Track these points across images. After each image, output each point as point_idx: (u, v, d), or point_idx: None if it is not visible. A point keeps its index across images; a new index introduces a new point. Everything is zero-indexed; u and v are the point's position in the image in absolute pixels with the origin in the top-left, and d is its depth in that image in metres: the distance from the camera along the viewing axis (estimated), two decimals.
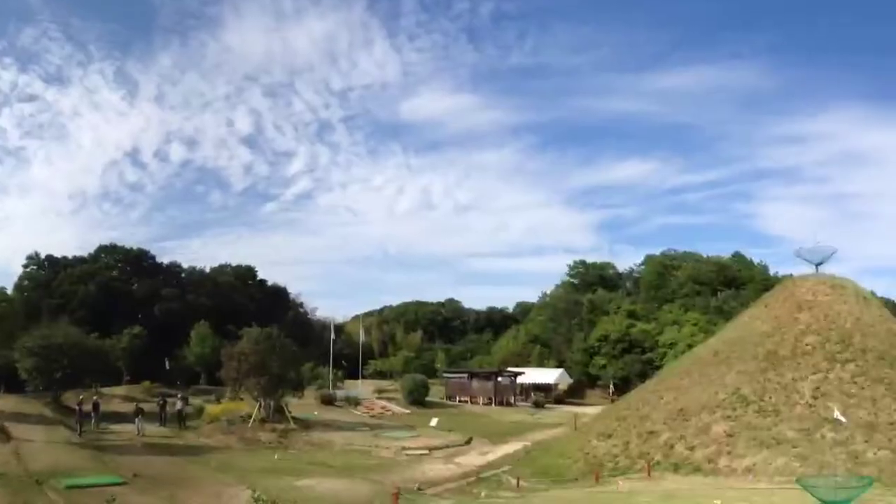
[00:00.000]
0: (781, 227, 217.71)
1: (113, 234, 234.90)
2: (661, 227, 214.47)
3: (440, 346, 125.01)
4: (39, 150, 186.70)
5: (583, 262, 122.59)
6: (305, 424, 47.22)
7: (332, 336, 75.44)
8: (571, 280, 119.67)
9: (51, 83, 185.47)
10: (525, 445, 44.64)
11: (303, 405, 54.89)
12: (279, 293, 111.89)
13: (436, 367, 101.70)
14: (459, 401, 73.18)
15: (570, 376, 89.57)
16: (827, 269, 42.56)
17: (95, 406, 45.08)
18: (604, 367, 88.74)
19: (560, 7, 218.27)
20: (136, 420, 42.92)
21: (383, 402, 65.60)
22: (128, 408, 48.77)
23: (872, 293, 48.46)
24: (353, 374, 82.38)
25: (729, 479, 27.58)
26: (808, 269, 43.19)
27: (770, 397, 32.22)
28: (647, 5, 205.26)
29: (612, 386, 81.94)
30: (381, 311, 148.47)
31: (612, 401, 64.60)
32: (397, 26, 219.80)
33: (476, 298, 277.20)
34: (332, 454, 39.76)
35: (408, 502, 25.46)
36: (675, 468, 30.28)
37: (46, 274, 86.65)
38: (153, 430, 43.91)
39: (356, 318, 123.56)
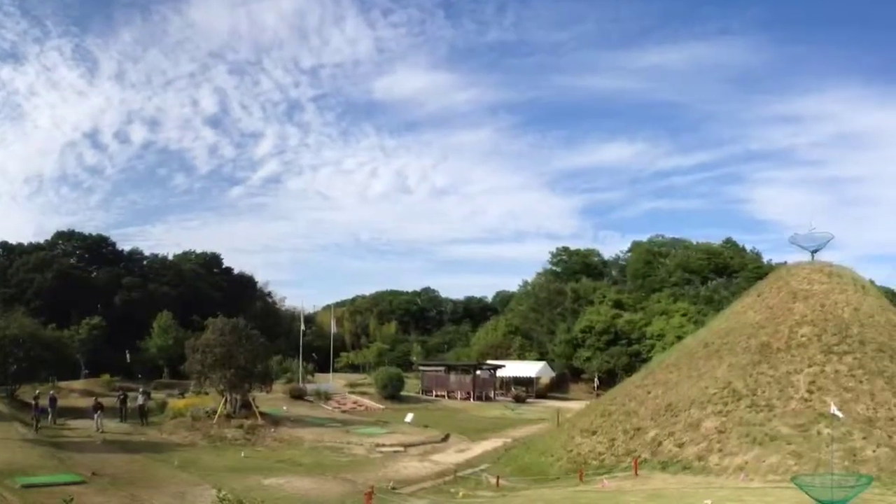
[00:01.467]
0: (775, 212, 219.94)
1: (71, 220, 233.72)
2: (649, 212, 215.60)
3: (416, 337, 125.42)
4: None
5: (566, 249, 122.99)
6: (274, 420, 46.87)
7: (302, 327, 75.14)
8: (554, 268, 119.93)
9: (5, 61, 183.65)
10: (505, 442, 44.65)
11: (271, 400, 54.59)
12: (246, 282, 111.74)
13: (411, 359, 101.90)
14: (436, 395, 73.13)
15: (553, 369, 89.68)
16: (823, 256, 42.66)
17: (52, 401, 44.94)
18: (588, 359, 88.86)
19: None
20: (96, 416, 42.65)
21: (356, 397, 65.33)
22: (86, 403, 48.65)
23: (871, 282, 48.63)
24: (323, 368, 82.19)
25: (720, 477, 27.48)
26: (803, 257, 43.29)
27: (763, 392, 32.13)
28: None
29: (596, 380, 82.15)
30: (353, 300, 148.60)
31: (597, 395, 64.72)
32: (371, 1, 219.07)
33: (454, 287, 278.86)
34: (301, 451, 39.54)
35: (381, 502, 25.20)
36: (664, 466, 30.17)
37: (1, 261, 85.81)
38: (113, 426, 43.83)
39: (327, 308, 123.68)
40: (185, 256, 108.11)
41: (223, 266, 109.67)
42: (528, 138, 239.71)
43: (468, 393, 72.66)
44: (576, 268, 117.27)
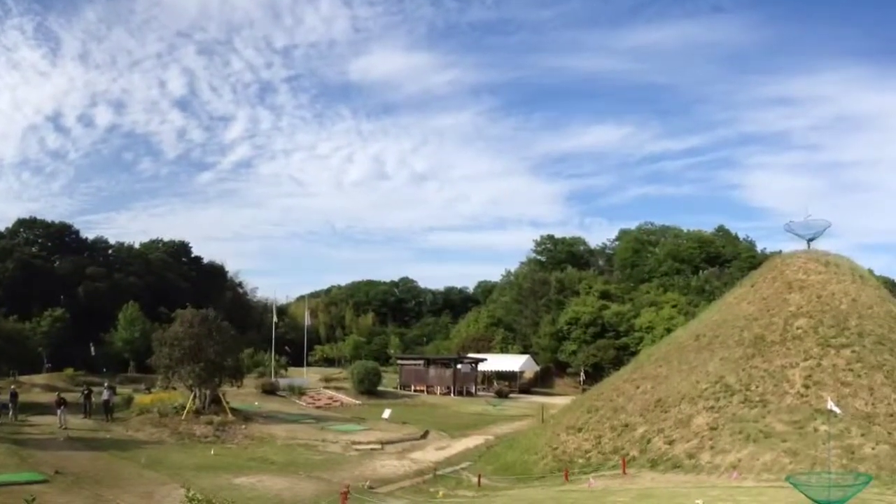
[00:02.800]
0: (769, 198, 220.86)
1: (33, 207, 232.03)
2: (637, 198, 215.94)
3: (394, 329, 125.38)
4: None
5: (550, 237, 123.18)
6: (245, 416, 46.61)
7: (275, 319, 74.86)
8: (538, 257, 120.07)
9: None
10: (487, 440, 44.72)
11: (242, 395, 54.35)
12: (216, 271, 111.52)
13: (389, 352, 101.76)
14: (415, 390, 73.18)
15: (537, 363, 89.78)
16: (820, 244, 42.55)
17: (13, 396, 44.60)
18: (574, 353, 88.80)
19: None
20: (59, 411, 42.16)
21: (331, 392, 65.22)
22: (49, 398, 48.04)
23: (870, 271, 48.85)
24: (297, 361, 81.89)
25: (711, 476, 27.46)
26: (798, 245, 43.21)
27: (757, 386, 32.15)
28: None
29: (582, 374, 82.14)
30: (328, 291, 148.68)
31: (583, 390, 64.75)
32: None
33: (433, 277, 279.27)
34: (274, 449, 39.33)
35: (358, 502, 25.02)
36: (653, 464, 30.14)
37: None
38: (77, 422, 43.29)
39: (301, 298, 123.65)
40: (153, 245, 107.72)
41: (192, 255, 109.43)
42: (510, 121, 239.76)
43: (448, 388, 72.63)
44: (561, 257, 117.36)
